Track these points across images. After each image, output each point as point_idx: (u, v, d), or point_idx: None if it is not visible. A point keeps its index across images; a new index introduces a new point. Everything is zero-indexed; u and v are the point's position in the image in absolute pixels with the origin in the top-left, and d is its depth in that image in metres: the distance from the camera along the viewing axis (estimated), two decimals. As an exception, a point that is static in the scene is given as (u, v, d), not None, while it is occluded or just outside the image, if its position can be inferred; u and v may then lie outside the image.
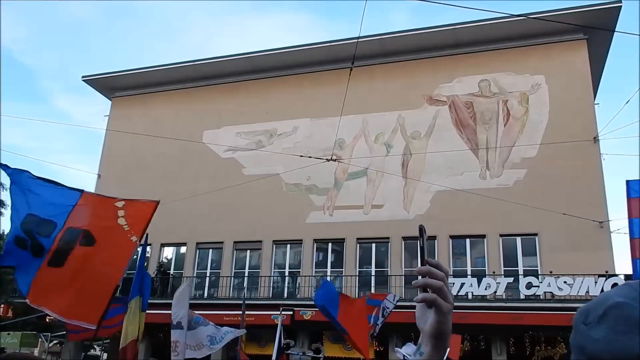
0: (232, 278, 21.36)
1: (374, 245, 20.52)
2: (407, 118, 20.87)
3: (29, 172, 5.10)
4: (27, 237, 4.87)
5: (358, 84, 19.38)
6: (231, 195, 21.08)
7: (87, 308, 4.83)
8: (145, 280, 6.73)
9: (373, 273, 20.26)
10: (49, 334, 22.07)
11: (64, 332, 21.69)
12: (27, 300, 4.79)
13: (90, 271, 4.89)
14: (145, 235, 6.26)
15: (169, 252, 23.04)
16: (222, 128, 23.13)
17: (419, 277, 1.05)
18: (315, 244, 20.96)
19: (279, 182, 21.42)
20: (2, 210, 21.92)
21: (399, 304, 17.84)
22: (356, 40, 15.51)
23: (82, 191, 5.17)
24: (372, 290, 19.79)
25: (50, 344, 22.87)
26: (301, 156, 18.76)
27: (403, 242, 19.97)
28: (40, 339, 21.96)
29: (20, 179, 5.02)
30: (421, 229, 1.08)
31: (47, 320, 22.58)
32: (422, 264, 1.06)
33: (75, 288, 4.84)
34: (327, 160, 17.81)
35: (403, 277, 19.57)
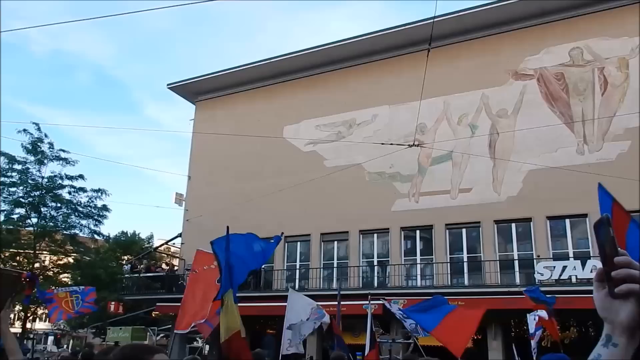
0: (322, 269, 21.52)
1: (464, 230, 19.81)
2: (492, 96, 19.88)
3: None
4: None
5: (437, 66, 18.69)
6: (315, 187, 21.17)
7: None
8: (234, 274, 7.05)
9: (465, 259, 19.57)
10: (156, 327, 23.43)
11: (169, 326, 23.03)
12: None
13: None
14: (226, 228, 6.85)
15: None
16: (302, 122, 23.28)
17: (614, 269, 0.99)
18: (402, 232, 20.59)
19: (362, 171, 21.23)
20: None
21: (494, 290, 17.31)
22: (432, 21, 14.92)
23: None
24: (465, 277, 19.17)
25: (157, 337, 24.25)
26: (382, 144, 18.42)
27: (495, 225, 19.11)
28: (148, 333, 23.32)
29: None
30: (606, 220, 1.02)
31: (153, 315, 24.03)
32: (610, 255, 1.00)
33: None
34: (409, 146, 17.36)
35: (497, 262, 18.76)
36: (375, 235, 21.18)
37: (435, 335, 8.60)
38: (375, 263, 21.06)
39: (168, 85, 26.15)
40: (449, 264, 19.49)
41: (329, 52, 22.79)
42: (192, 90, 26.40)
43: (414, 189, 20.51)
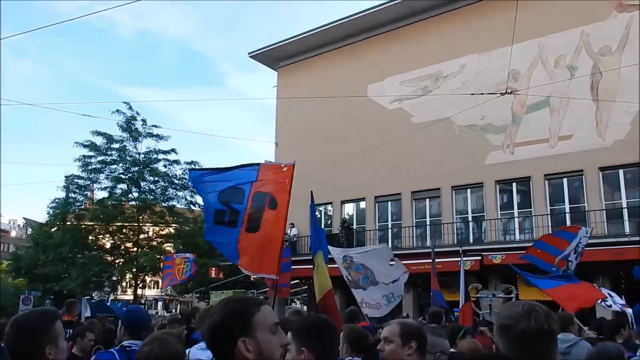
0: (414, 228, 21.24)
1: (565, 180, 18.70)
2: (593, 33, 18.30)
3: (208, 169, 5.91)
4: (225, 207, 5.59)
5: (529, 6, 17.43)
6: (402, 145, 20.74)
7: (269, 262, 5.52)
8: (321, 235, 7.01)
9: (567, 210, 18.53)
10: (255, 291, 24.33)
11: (267, 289, 23.84)
12: (240, 267, 5.62)
13: (276, 231, 5.58)
14: (310, 193, 6.87)
15: (349, 209, 23.68)
16: (386, 79, 22.74)
17: None
18: (497, 186, 19.79)
19: (451, 125, 20.48)
20: None
21: (601, 241, 16.26)
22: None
23: (258, 164, 5.88)
24: (569, 229, 18.17)
25: (257, 300, 25.18)
26: (472, 95, 17.60)
27: (600, 173, 17.87)
28: (248, 296, 24.28)
29: (199, 176, 5.83)
30: None
31: (252, 279, 24.96)
32: None
33: (265, 246, 5.53)
34: (502, 94, 16.43)
35: (604, 212, 17.61)
36: (469, 190, 20.51)
37: (550, 293, 8.18)
38: (470, 219, 20.47)
39: (249, 54, 26.42)
40: (549, 216, 18.54)
41: (410, 3, 21.88)
42: (273, 57, 26.50)
43: (509, 140, 19.55)
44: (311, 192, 6.97)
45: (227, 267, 25.65)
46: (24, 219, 77.99)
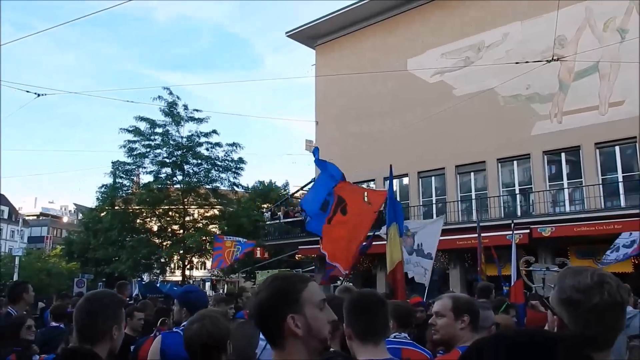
0: (459, 202, 20.94)
1: (617, 148, 18.05)
2: (645, -8, 17.43)
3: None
4: (329, 199, 6.83)
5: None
6: (445, 119, 20.38)
7: (345, 257, 6.53)
8: (397, 208, 7.15)
9: (620, 179, 17.89)
10: (300, 269, 24.61)
11: (312, 267, 24.08)
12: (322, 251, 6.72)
13: (347, 232, 6.59)
14: (389, 168, 7.56)
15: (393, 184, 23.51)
16: (426, 52, 22.29)
17: None
18: (545, 156, 19.25)
19: (495, 96, 19.96)
20: None
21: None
22: None
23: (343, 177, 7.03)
24: (621, 199, 17.55)
25: (302, 279, 25.50)
26: (517, 63, 17.06)
27: (655, 139, 17.16)
28: (294, 273, 24.61)
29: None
30: None
31: (297, 258, 25.25)
32: None
33: (337, 241, 6.61)
34: (548, 62, 15.89)
35: (659, 179, 16.95)
36: (515, 162, 20.04)
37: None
38: (517, 191, 20.03)
39: (286, 33, 26.30)
40: (600, 186, 17.95)
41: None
42: (311, 35, 26.31)
43: (556, 109, 18.94)
44: (390, 165, 7.51)
45: (272, 247, 25.99)
46: (75, 204, 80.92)
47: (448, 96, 21.03)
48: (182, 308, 3.71)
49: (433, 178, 21.99)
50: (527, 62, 16.65)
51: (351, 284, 22.99)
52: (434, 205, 21.88)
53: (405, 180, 22.78)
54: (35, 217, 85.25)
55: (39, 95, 15.26)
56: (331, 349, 2.85)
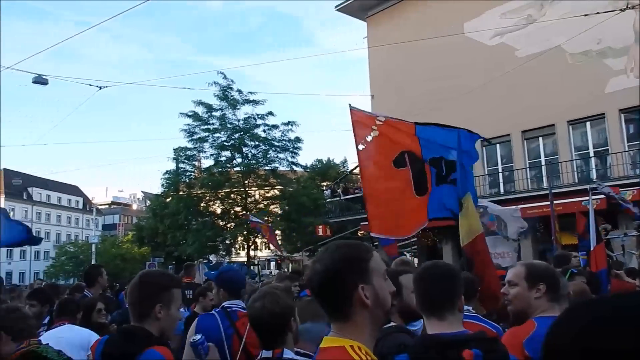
0: (528, 170, 19.91)
1: None
2: None
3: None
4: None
5: None
6: (508, 82, 19.28)
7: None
8: (469, 177, 6.60)
9: None
10: (362, 246, 24.36)
11: (376, 244, 23.75)
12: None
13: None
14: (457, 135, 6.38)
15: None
16: (483, 14, 21.11)
17: None
18: (622, 115, 17.88)
19: (562, 54, 18.65)
20: None
21: None
22: None
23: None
24: None
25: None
26: (585, 16, 15.81)
27: None
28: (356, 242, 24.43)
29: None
30: None
31: (359, 234, 25.01)
32: None
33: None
34: (621, 11, 14.65)
35: None
36: (588, 123, 18.76)
37: None
38: (592, 155, 18.77)
39: (336, 7, 25.71)
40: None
41: None
42: (360, 8, 25.56)
43: (632, 63, 17.48)
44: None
45: (334, 224, 25.88)
46: (142, 192, 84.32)
47: (510, 58, 19.86)
48: (220, 289, 3.75)
49: (498, 145, 20.97)
50: (597, 13, 15.43)
51: (415, 259, 22.55)
52: (500, 174, 20.93)
53: (469, 150, 21.86)
54: (107, 206, 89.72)
55: (100, 88, 15.69)
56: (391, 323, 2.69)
